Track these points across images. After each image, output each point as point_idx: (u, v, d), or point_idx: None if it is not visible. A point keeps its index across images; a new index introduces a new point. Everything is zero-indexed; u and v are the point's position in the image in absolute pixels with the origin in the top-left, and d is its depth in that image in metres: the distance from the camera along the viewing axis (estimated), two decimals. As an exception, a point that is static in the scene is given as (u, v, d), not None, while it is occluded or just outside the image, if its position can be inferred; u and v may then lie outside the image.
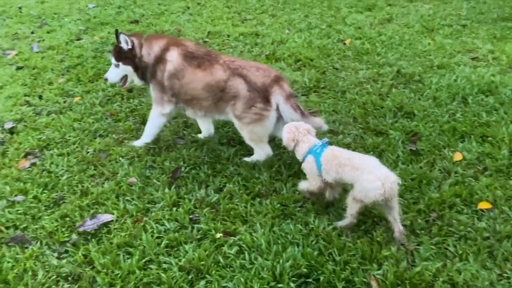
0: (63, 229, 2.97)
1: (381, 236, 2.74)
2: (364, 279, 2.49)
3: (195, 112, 3.69)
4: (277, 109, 3.38)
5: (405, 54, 5.33)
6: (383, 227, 2.83)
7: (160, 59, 3.65)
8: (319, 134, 3.31)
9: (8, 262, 2.74)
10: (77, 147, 3.89)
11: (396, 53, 5.37)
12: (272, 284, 2.46)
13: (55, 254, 2.80)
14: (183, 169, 3.50)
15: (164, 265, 2.65)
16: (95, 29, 6.88)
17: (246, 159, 3.58)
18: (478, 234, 2.75)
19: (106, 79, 3.93)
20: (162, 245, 2.79)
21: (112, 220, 3.04)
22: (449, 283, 2.46)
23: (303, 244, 2.71)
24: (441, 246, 2.71)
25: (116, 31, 3.78)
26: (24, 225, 3.03)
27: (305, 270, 2.53)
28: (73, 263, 2.72)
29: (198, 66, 3.55)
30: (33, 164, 3.68)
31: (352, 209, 2.75)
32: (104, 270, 2.63)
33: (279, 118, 3.42)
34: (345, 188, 2.99)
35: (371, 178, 2.61)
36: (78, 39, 6.50)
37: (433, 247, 2.69)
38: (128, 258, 2.72)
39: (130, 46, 3.70)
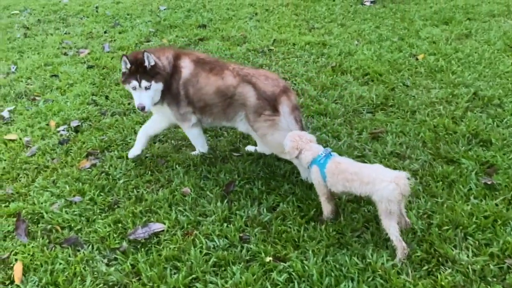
0: (115, 235, 2.98)
1: (446, 279, 2.48)
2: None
3: (206, 119, 3.65)
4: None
5: (484, 74, 4.91)
6: (449, 269, 2.57)
7: (175, 68, 3.56)
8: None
9: (60, 263, 2.78)
10: (136, 150, 3.93)
11: (473, 72, 4.96)
12: (321, 321, 2.30)
13: (105, 261, 2.81)
14: (237, 182, 3.41)
15: (210, 285, 2.57)
16: (164, 32, 7.01)
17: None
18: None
19: (142, 108, 3.43)
20: (210, 263, 2.71)
21: (163, 230, 3.01)
22: None
23: (358, 279, 2.51)
24: (517, 299, 2.41)
25: (124, 55, 3.45)
26: (79, 227, 3.08)
27: (358, 309, 2.34)
28: (121, 272, 2.71)
29: (210, 71, 3.52)
30: (93, 165, 3.75)
31: (392, 230, 2.61)
32: (150, 284, 2.59)
33: None
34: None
35: (385, 185, 2.59)
36: (148, 41, 6.65)
37: (506, 299, 2.39)
38: (175, 273, 2.67)
39: (152, 63, 3.41)
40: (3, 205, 3.36)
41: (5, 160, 3.91)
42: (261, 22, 7.27)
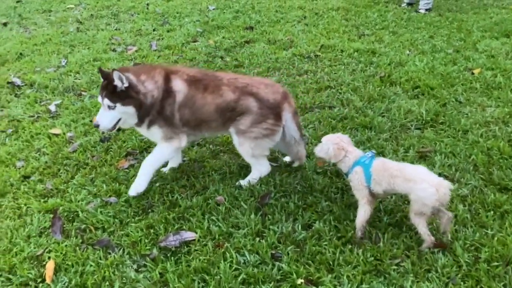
0: (146, 241, 2.95)
1: (493, 323, 2.28)
2: None
3: (201, 134, 3.55)
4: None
5: (548, 93, 4.56)
6: (496, 311, 2.36)
7: (167, 93, 3.28)
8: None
9: (91, 265, 2.78)
10: (174, 153, 3.90)
11: (535, 91, 4.62)
12: None
13: (134, 266, 2.78)
14: (272, 195, 3.31)
15: (237, 304, 2.48)
16: (211, 32, 7.00)
17: (242, 182, 3.45)
18: None
19: (97, 126, 3.23)
20: (239, 279, 2.62)
21: (194, 239, 2.95)
22: None
23: (394, 313, 2.35)
24: None
25: (100, 69, 3.26)
26: (112, 229, 3.08)
27: None
28: (149, 279, 2.67)
29: (205, 90, 3.32)
30: (131, 166, 3.76)
31: (421, 226, 2.70)
32: (177, 296, 2.53)
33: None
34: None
35: (425, 186, 2.62)
36: (194, 41, 6.65)
37: None
38: (202, 287, 2.60)
39: (126, 84, 3.13)
40: (42, 200, 3.42)
41: (47, 154, 4.00)
42: (309, 26, 7.12)
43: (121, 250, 2.89)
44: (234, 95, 3.30)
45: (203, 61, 5.84)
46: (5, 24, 7.99)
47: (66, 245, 2.95)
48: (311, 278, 2.61)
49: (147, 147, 4.03)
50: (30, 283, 2.70)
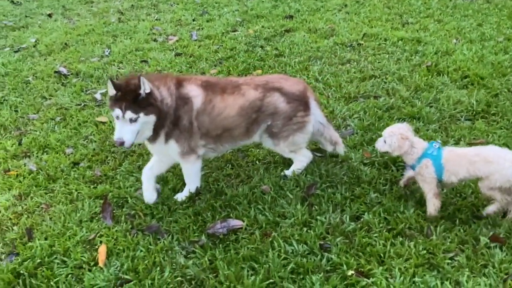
0: (194, 228, 2.98)
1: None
2: None
3: (221, 147, 3.28)
4: None
5: None
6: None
7: (182, 100, 3.05)
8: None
9: (141, 251, 2.83)
10: (218, 142, 3.91)
11: None
12: None
13: (183, 252, 2.82)
14: (318, 185, 3.27)
15: (288, 293, 2.47)
16: (250, 22, 6.97)
17: (287, 172, 3.41)
18: None
19: (121, 144, 2.86)
20: (288, 268, 2.60)
21: (241, 228, 2.95)
22: None
23: (450, 308, 2.28)
24: None
25: (111, 80, 2.91)
26: (160, 215, 3.12)
27: None
28: (198, 266, 2.70)
29: (223, 92, 3.11)
30: (177, 154, 3.79)
31: (499, 196, 2.74)
32: (227, 283, 2.54)
33: None
34: None
35: (508, 165, 2.65)
36: (234, 31, 6.64)
37: None
38: (251, 275, 2.60)
39: (148, 90, 2.89)
40: (92, 186, 3.50)
41: (95, 141, 4.09)
42: (350, 14, 6.98)
43: (170, 236, 2.93)
44: (258, 93, 3.15)
45: (243, 51, 5.82)
46: (49, 15, 8.21)
47: (116, 230, 3.01)
48: (361, 269, 2.56)
49: (191, 135, 4.05)
50: (83, 266, 2.77)
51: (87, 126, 4.36)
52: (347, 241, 2.78)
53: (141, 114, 2.86)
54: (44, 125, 4.43)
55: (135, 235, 2.97)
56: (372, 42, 5.82)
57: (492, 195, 2.76)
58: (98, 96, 4.94)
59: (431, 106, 4.17)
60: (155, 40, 6.57)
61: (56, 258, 2.83)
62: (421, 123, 3.89)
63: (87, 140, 4.15)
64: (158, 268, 2.69)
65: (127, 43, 6.48)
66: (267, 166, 3.59)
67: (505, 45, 5.37)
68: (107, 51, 6.23)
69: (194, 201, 3.23)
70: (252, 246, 2.79)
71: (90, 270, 2.74)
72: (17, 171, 3.75)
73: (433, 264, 2.57)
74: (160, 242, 2.88)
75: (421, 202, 3.00)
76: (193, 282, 2.61)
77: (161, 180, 3.47)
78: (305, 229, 2.90)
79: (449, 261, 2.58)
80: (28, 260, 2.81)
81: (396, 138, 2.88)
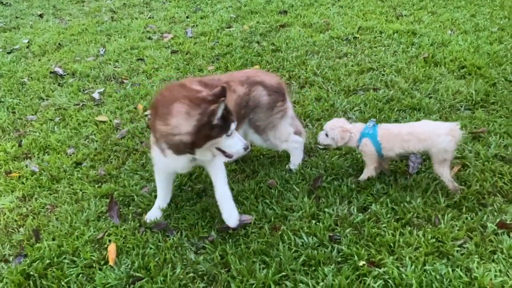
0: (203, 223, 2.98)
1: None
2: None
3: None
4: None
5: None
6: None
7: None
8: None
9: (151, 248, 2.82)
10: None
11: None
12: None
13: (193, 249, 2.82)
14: (324, 178, 3.28)
15: (301, 285, 2.48)
16: (244, 18, 6.95)
17: (291, 166, 3.46)
18: None
19: (246, 148, 2.77)
20: (300, 261, 2.62)
21: (250, 222, 2.96)
22: None
23: (463, 294, 2.31)
24: None
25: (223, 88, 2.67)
26: (168, 212, 3.12)
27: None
28: (209, 261, 2.70)
29: None
30: (180, 151, 3.78)
31: (445, 175, 2.96)
32: (240, 277, 2.55)
33: None
34: None
35: (442, 138, 2.86)
36: (229, 27, 6.63)
37: None
38: (264, 268, 2.61)
39: None
40: (96, 185, 3.49)
41: (97, 141, 4.07)
42: (344, 8, 7.00)
43: (179, 233, 2.93)
44: (245, 88, 3.20)
45: (240, 47, 5.81)
46: (41, 16, 8.13)
47: (124, 229, 3.01)
48: (372, 259, 2.59)
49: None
50: (94, 265, 2.76)
51: (87, 125, 4.34)
52: (356, 232, 2.80)
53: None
54: (43, 126, 4.39)
55: (144, 233, 2.96)
56: (367, 35, 5.84)
57: (440, 174, 2.99)
58: (96, 95, 4.91)
59: (430, 97, 4.20)
60: (149, 38, 6.54)
61: (65, 258, 2.82)
62: (421, 114, 3.92)
63: (88, 139, 4.13)
64: (170, 265, 2.69)
65: (121, 41, 6.44)
66: (272, 160, 3.60)
67: (500, 35, 5.42)
68: (102, 50, 6.19)
69: (201, 197, 3.23)
70: (262, 240, 2.80)
71: (100, 269, 2.73)
72: (19, 172, 3.72)
73: (443, 252, 2.60)
74: (170, 239, 2.88)
75: (427, 191, 3.03)
76: (205, 278, 2.61)
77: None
78: (313, 221, 2.91)
79: (458, 248, 2.61)
80: (37, 261, 2.80)
81: (337, 131, 3.14)
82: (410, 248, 2.63)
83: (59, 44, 6.57)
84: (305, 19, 6.64)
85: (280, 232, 2.85)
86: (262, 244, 2.77)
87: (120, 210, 3.20)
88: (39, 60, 6.05)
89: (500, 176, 3.12)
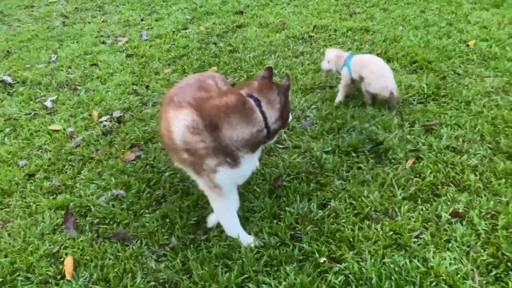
0: (163, 231, 2.93)
1: (517, 287, 2.32)
2: None
3: None
4: None
5: (543, 61, 4.60)
6: (519, 275, 2.39)
7: None
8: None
9: (110, 259, 2.75)
10: (179, 142, 3.85)
11: (531, 59, 4.65)
12: (384, 328, 2.18)
13: (154, 257, 2.76)
14: (284, 177, 3.30)
15: (264, 286, 2.48)
16: (200, 19, 6.90)
17: None
18: None
19: None
20: (262, 262, 2.62)
21: (211, 227, 2.93)
22: None
23: (420, 284, 2.37)
24: None
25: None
26: (126, 221, 3.04)
27: (422, 317, 2.21)
28: (171, 268, 2.66)
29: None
30: (138, 157, 3.71)
31: (367, 97, 4.05)
32: (202, 283, 2.52)
33: None
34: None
35: (382, 83, 3.85)
36: (185, 29, 6.56)
37: None
38: (226, 272, 2.59)
39: None
40: (51, 197, 3.36)
41: (50, 151, 3.92)
42: (299, 7, 7.06)
43: (138, 242, 2.87)
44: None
45: (197, 48, 5.76)
46: (-13, 22, 7.78)
47: (81, 240, 2.91)
48: (333, 256, 2.62)
49: (151, 137, 3.98)
50: (50, 280, 2.66)
51: (39, 135, 4.18)
52: (317, 229, 2.83)
53: None
54: (-8, 137, 4.20)
55: (102, 243, 2.88)
56: (322, 33, 5.92)
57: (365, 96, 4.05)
58: (48, 103, 4.74)
59: (384, 92, 4.29)
60: (103, 42, 6.37)
61: (19, 275, 2.71)
62: (376, 110, 4.00)
63: (41, 150, 3.98)
64: (130, 275, 2.63)
65: (74, 47, 6.25)
66: (231, 162, 3.57)
67: (448, 29, 5.61)
68: (53, 56, 5.99)
69: (160, 203, 3.18)
70: (224, 243, 2.78)
71: (57, 284, 2.63)
72: (-34, 188, 3.54)
73: (400, 244, 2.66)
74: (129, 249, 2.81)
75: (383, 185, 3.10)
76: (166, 286, 2.57)
77: (124, 185, 3.38)
78: (275, 221, 2.92)
79: (415, 239, 2.68)
80: (-11, 281, 2.67)
81: (334, 57, 4.19)
82: (369, 242, 2.68)
83: (8, 51, 6.31)
84: (261, 19, 6.66)
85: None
86: (224, 247, 2.75)
87: (77, 221, 3.10)
88: (-14, 69, 5.79)
89: (452, 166, 3.23)
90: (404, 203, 2.94)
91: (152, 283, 2.57)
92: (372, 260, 2.54)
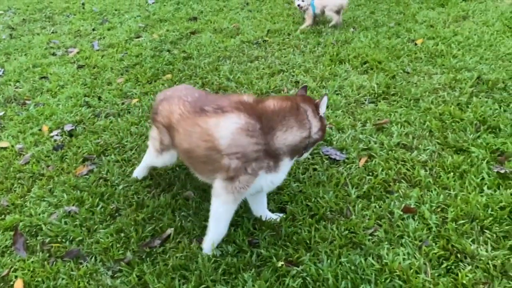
0: (118, 245, 2.86)
1: (467, 277, 2.40)
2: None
3: None
4: None
5: (486, 57, 4.80)
6: (468, 265, 2.48)
7: None
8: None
9: (63, 279, 2.65)
10: (133, 153, 3.79)
11: (474, 55, 4.86)
12: (341, 328, 2.20)
13: (109, 273, 2.69)
14: (241, 183, 3.28)
15: (222, 295, 2.46)
16: (153, 26, 6.82)
17: None
18: None
19: None
20: (220, 271, 2.59)
21: (168, 237, 2.88)
22: None
23: (376, 281, 2.42)
24: (540, 294, 2.33)
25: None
26: (80, 238, 2.95)
27: (378, 314, 2.24)
28: (127, 284, 2.59)
29: None
30: (90, 171, 3.61)
31: (334, 16, 5.98)
32: (159, 296, 2.48)
33: None
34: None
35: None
36: (138, 37, 6.46)
37: (530, 295, 2.31)
38: (183, 283, 2.55)
39: None
40: (-1, 218, 3.22)
41: (-3, 169, 3.76)
42: (253, 12, 7.10)
43: (93, 259, 2.78)
44: None
45: (150, 56, 5.68)
46: None
47: (32, 262, 2.80)
48: (291, 259, 2.63)
49: (103, 150, 3.88)
50: (-1, 306, 2.54)
51: (-15, 154, 4.00)
52: (274, 233, 2.83)
53: None
54: None
55: (54, 263, 2.78)
56: (276, 37, 5.97)
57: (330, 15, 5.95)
58: (-5, 120, 4.55)
59: (337, 94, 4.37)
60: (53, 54, 6.18)
61: (-35, 303, 2.57)
62: (329, 111, 4.06)
63: (-13, 169, 3.80)
64: (84, 294, 2.55)
65: (22, 60, 6.03)
66: (187, 171, 3.53)
67: (396, 29, 5.78)
68: (0, 70, 5.75)
69: (114, 218, 3.10)
70: (181, 254, 2.74)
71: (6, 310, 2.52)
72: None
73: (356, 243, 2.70)
74: (83, 266, 2.72)
75: (338, 185, 3.15)
76: (123, 302, 2.51)
77: (76, 200, 3.28)
78: (232, 228, 2.90)
79: (370, 237, 2.73)
80: None
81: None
82: (326, 242, 2.71)
83: (-50, 67, 6.01)
84: (215, 24, 6.65)
85: (199, 245, 2.80)
86: (181, 259, 2.71)
87: (27, 241, 2.98)
88: None
89: (403, 163, 3.32)
90: (358, 201, 2.99)
91: (108, 300, 2.50)
92: (329, 261, 2.57)
